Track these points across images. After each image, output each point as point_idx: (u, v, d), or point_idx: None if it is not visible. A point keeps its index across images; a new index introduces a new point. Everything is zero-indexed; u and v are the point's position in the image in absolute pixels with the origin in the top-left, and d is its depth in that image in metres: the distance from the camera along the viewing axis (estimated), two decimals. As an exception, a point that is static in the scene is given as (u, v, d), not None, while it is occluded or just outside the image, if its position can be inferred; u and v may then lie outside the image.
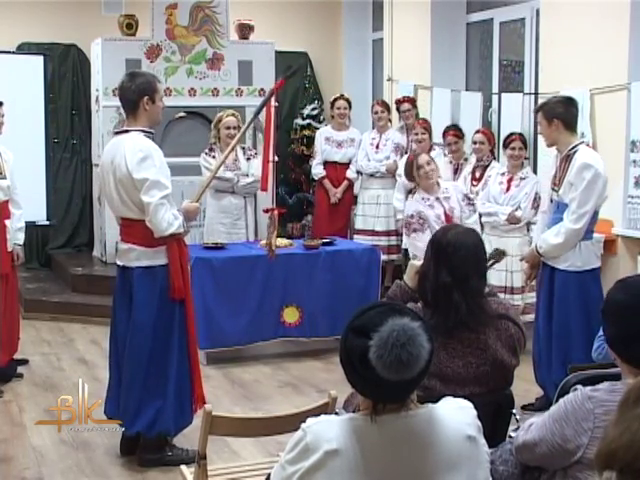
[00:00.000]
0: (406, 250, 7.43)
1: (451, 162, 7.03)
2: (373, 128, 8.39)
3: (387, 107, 8.09)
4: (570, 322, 4.82)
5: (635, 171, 6.20)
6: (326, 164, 8.23)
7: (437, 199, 5.79)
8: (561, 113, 4.77)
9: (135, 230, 4.28)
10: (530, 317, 6.44)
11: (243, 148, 7.24)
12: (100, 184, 4.48)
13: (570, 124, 4.83)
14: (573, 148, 4.79)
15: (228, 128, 6.79)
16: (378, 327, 1.87)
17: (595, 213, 4.85)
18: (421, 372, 1.90)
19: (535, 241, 5.14)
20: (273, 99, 5.48)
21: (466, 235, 2.93)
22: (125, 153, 4.16)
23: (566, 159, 4.80)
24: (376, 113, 8.06)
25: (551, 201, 5.01)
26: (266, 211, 5.91)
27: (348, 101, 8.26)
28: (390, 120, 8.15)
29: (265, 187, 5.86)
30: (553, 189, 4.93)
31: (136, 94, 4.22)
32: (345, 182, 8.18)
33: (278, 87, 5.69)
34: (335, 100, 8.26)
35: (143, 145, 4.18)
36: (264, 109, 5.46)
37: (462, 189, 6.09)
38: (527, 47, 7.64)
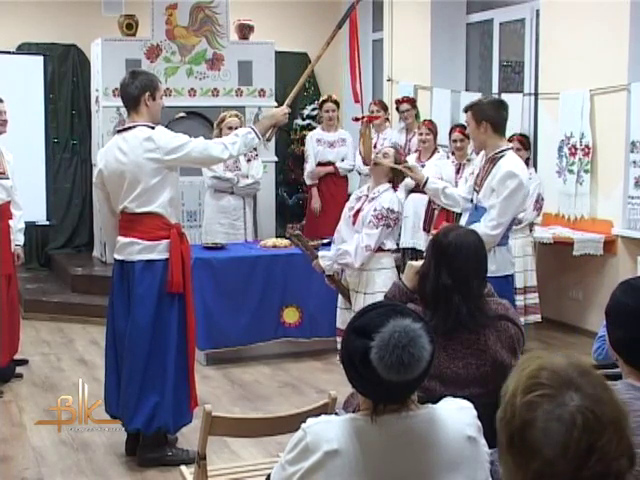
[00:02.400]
0: (404, 250, 7.45)
1: (453, 162, 7.04)
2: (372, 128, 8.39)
3: (384, 107, 8.09)
4: None
5: (635, 171, 6.20)
6: (320, 165, 8.22)
7: (366, 197, 5.22)
8: (491, 116, 4.53)
9: (137, 224, 4.32)
10: (532, 318, 6.46)
11: None
12: (99, 181, 4.50)
13: (499, 127, 4.58)
14: (500, 152, 4.55)
15: (230, 128, 6.78)
16: (380, 328, 1.87)
17: (512, 219, 4.64)
18: (422, 373, 1.90)
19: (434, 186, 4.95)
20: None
21: (467, 236, 2.93)
22: (138, 141, 4.27)
23: (491, 161, 4.57)
24: (372, 113, 8.06)
25: (470, 201, 4.78)
26: (356, 120, 5.84)
27: (336, 103, 8.26)
28: (387, 119, 8.15)
29: (357, 99, 5.76)
30: (474, 190, 4.70)
31: (138, 89, 4.32)
32: (330, 168, 8.10)
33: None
34: (323, 102, 8.26)
35: (152, 130, 4.32)
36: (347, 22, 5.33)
37: (386, 206, 4.98)
38: (527, 47, 7.64)
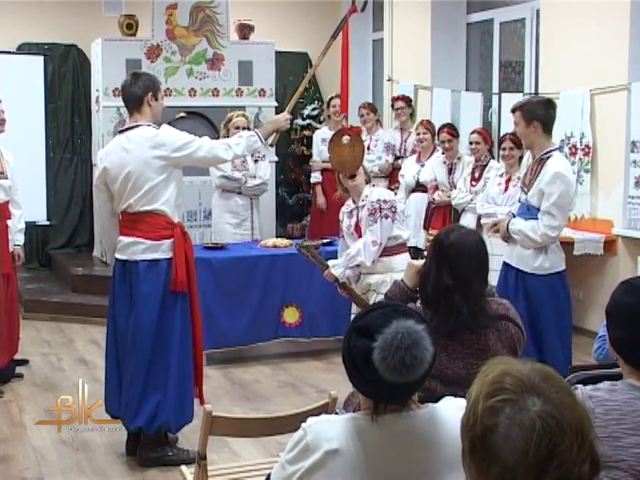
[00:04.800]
0: (407, 249, 7.45)
1: (445, 162, 7.05)
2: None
3: (373, 109, 8.14)
4: (542, 324, 4.80)
5: (635, 171, 6.20)
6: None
7: (357, 208, 5.12)
8: (541, 115, 4.61)
9: (140, 223, 4.34)
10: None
11: None
12: (101, 182, 4.52)
13: (548, 127, 4.67)
14: (547, 153, 4.64)
15: (237, 128, 6.79)
16: (382, 329, 1.86)
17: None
18: (424, 375, 1.90)
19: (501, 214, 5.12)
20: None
21: (469, 237, 2.92)
22: (144, 139, 4.30)
23: (539, 162, 4.67)
24: (362, 116, 8.08)
25: (519, 201, 4.90)
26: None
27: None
28: (378, 121, 8.17)
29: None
30: (522, 190, 4.83)
31: (141, 90, 4.37)
32: (327, 164, 8.07)
33: (352, 12, 5.56)
34: (330, 99, 8.28)
35: (156, 130, 4.37)
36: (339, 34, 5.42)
37: (375, 198, 5.01)
38: (527, 47, 7.65)
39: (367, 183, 5.15)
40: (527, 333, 4.85)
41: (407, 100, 8.07)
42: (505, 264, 4.95)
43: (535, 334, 4.82)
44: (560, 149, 4.90)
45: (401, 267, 4.79)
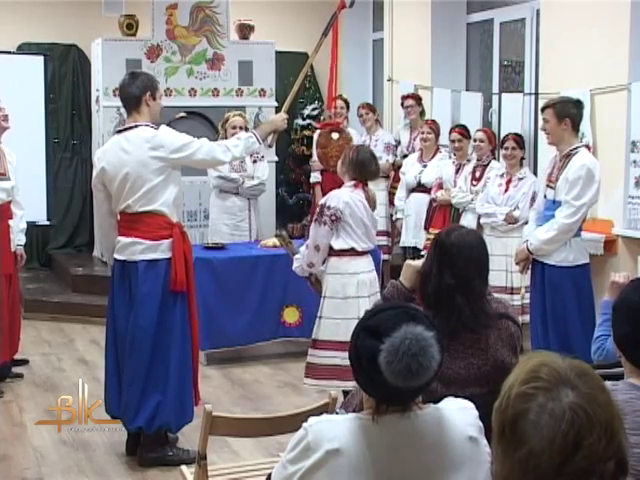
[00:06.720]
0: (404, 249, 7.45)
1: (454, 162, 7.04)
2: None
3: (372, 109, 8.15)
4: (566, 316, 4.92)
5: (635, 171, 6.19)
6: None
7: None
8: (573, 114, 4.94)
9: (138, 224, 4.35)
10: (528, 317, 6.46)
11: None
12: (99, 182, 4.54)
13: (577, 125, 5.02)
14: (575, 149, 4.94)
15: (234, 128, 6.79)
16: (391, 332, 1.86)
17: (587, 210, 5.03)
18: (428, 381, 1.90)
19: (525, 237, 5.27)
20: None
21: (469, 236, 2.92)
22: (142, 140, 4.31)
23: (566, 157, 4.93)
24: (361, 116, 8.08)
25: (544, 197, 5.11)
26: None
27: (346, 101, 8.27)
28: (377, 121, 8.18)
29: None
30: (549, 186, 5.03)
31: (139, 89, 4.37)
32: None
33: (341, 8, 5.55)
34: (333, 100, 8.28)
35: (155, 131, 4.37)
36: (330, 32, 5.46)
37: (321, 202, 4.87)
38: (527, 47, 7.64)
39: (356, 179, 4.83)
40: (552, 326, 4.98)
41: (416, 98, 8.04)
42: (533, 262, 5.12)
43: (560, 327, 4.92)
44: (586, 146, 5.25)
45: (331, 270, 4.77)
